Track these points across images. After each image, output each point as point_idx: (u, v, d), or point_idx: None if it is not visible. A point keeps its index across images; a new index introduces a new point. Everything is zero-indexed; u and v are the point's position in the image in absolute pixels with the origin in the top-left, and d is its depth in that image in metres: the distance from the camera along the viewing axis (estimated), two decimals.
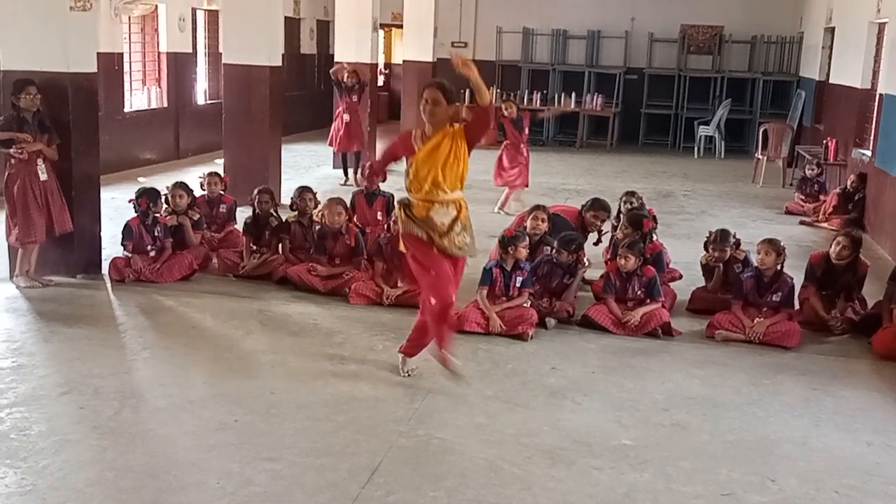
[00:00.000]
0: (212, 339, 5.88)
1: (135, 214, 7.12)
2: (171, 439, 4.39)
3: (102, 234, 7.33)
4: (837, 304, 6.54)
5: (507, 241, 6.25)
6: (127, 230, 7.04)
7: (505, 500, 3.91)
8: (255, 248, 7.37)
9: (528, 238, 6.45)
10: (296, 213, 7.36)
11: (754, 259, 6.54)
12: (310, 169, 13.44)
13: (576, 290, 6.59)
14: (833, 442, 4.65)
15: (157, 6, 13.30)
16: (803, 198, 11.36)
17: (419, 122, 5.00)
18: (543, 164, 13.87)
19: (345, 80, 12.16)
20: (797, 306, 6.47)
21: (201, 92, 14.94)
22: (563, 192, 12.00)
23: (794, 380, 5.53)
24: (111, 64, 11.94)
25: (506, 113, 10.51)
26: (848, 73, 12.64)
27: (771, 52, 17.87)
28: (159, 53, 13.60)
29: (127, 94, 12.79)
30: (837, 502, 4.05)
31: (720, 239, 6.76)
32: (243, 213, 7.81)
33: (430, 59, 15.81)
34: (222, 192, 8.07)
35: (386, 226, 7.13)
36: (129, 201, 7.19)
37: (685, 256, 7.90)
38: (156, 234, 7.09)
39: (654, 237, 7.12)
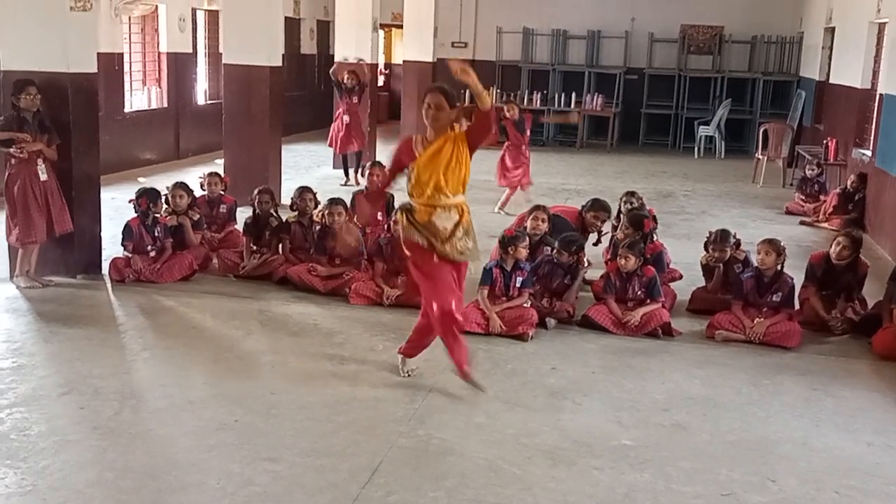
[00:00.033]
0: (212, 340, 5.88)
1: (135, 215, 7.12)
2: (172, 440, 4.39)
3: (102, 234, 7.33)
4: (837, 305, 6.54)
5: (507, 242, 6.25)
6: (127, 230, 7.04)
7: (505, 501, 3.91)
8: (255, 248, 7.37)
9: (528, 238, 6.45)
10: (296, 213, 7.36)
11: (754, 259, 6.54)
12: (310, 169, 13.44)
13: (577, 291, 6.59)
14: (833, 442, 4.65)
15: (157, 6, 13.30)
16: (803, 198, 11.36)
17: (419, 125, 4.99)
18: (543, 165, 13.87)
19: (345, 81, 12.16)
20: (797, 306, 6.47)
21: (201, 92, 14.95)
22: (564, 192, 12.00)
23: (795, 380, 5.53)
24: (111, 64, 11.94)
25: (508, 114, 10.52)
26: (848, 73, 12.64)
27: (771, 52, 17.87)
28: (159, 53, 13.60)
29: (127, 94, 12.79)
30: (838, 502, 4.04)
31: (720, 239, 6.76)
32: (243, 214, 7.81)
33: (430, 59, 15.82)
34: (222, 193, 8.07)
35: (386, 226, 7.13)
36: (130, 201, 7.19)
37: (685, 257, 7.90)
38: (156, 234, 7.09)
39: (655, 237, 7.13)
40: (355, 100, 12.14)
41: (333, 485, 3.97)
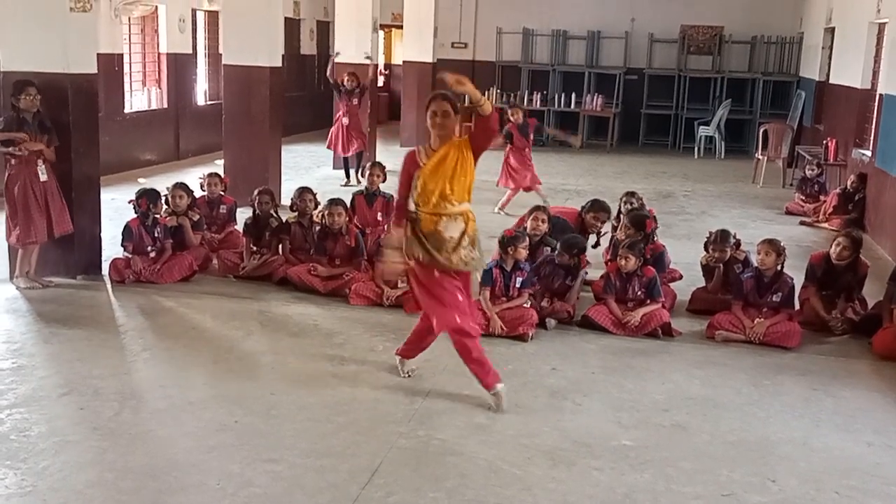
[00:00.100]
0: (212, 340, 5.88)
1: (135, 215, 7.12)
2: (172, 440, 4.39)
3: (102, 235, 7.33)
4: (838, 305, 6.54)
5: (507, 242, 6.25)
6: (127, 231, 7.04)
7: (505, 501, 3.91)
8: (255, 248, 7.37)
9: (527, 239, 6.45)
10: (296, 213, 7.37)
11: (754, 259, 6.54)
12: (310, 170, 13.44)
13: (577, 292, 6.59)
14: (833, 442, 4.65)
15: (157, 7, 13.30)
16: (803, 198, 11.36)
17: (419, 126, 4.97)
18: (543, 165, 13.82)
19: (344, 83, 12.17)
20: (797, 307, 6.47)
21: (201, 93, 14.95)
22: (563, 192, 12.00)
23: (795, 380, 5.53)
24: (111, 65, 11.95)
25: (512, 119, 10.56)
26: (848, 73, 12.64)
27: (771, 52, 17.87)
28: (159, 54, 13.60)
29: (127, 94, 12.79)
30: (838, 503, 4.04)
31: (720, 239, 6.76)
32: (243, 214, 7.82)
33: (430, 59, 15.83)
34: (222, 193, 8.08)
35: (386, 226, 7.12)
36: (129, 202, 7.19)
37: (685, 257, 7.90)
38: (156, 235, 7.10)
39: (656, 238, 7.13)
40: (355, 102, 12.15)
41: (333, 485, 3.97)
